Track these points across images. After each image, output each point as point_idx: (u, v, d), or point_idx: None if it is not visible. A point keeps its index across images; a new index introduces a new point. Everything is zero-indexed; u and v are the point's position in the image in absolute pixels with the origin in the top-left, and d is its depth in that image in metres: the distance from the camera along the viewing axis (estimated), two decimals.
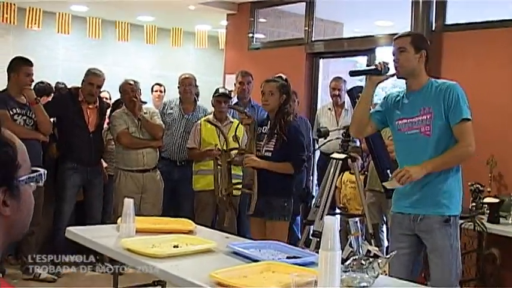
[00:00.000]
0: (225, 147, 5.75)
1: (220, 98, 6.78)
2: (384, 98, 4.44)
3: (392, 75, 4.26)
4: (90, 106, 6.76)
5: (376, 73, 4.25)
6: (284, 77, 5.49)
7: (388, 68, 4.23)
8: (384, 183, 4.38)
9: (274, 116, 5.35)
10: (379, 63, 4.25)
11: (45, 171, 1.67)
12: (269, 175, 5.23)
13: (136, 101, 6.72)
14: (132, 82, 6.86)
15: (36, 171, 1.63)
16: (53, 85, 8.31)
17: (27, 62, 6.38)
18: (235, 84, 7.84)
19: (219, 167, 5.63)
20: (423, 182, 4.04)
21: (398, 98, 4.28)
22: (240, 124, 6.11)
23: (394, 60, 4.21)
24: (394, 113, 4.26)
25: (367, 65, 8.00)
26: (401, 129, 4.21)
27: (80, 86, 6.85)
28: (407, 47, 4.14)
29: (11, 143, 1.55)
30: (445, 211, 4.05)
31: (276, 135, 5.28)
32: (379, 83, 4.31)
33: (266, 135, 5.37)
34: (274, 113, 5.35)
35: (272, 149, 5.28)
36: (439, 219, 4.05)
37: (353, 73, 4.82)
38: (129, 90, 6.77)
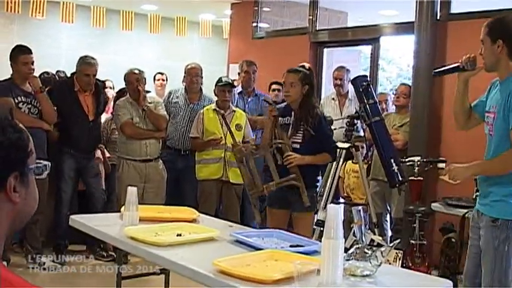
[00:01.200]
0: (254, 146, 5.69)
1: (224, 87, 6.75)
2: (490, 85, 4.06)
3: (480, 70, 3.98)
4: (87, 93, 6.73)
5: (460, 70, 4.04)
6: (307, 66, 5.42)
7: (474, 63, 3.97)
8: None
9: (298, 107, 5.25)
10: (463, 59, 4.01)
11: (50, 164, 1.69)
12: (299, 168, 5.18)
13: (141, 91, 6.70)
14: (137, 71, 6.83)
15: (41, 162, 1.64)
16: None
17: (25, 51, 6.33)
18: (239, 74, 7.83)
19: (244, 165, 5.48)
20: (484, 180, 3.97)
21: (497, 86, 3.96)
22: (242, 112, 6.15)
23: (480, 54, 3.93)
24: (487, 103, 3.99)
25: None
26: (485, 122, 3.99)
27: (74, 75, 6.83)
28: (484, 39, 3.86)
29: (24, 130, 1.57)
30: (493, 213, 3.87)
31: (302, 128, 5.20)
32: (468, 78, 4.04)
33: (292, 127, 5.27)
34: (297, 104, 5.24)
35: (300, 141, 5.20)
36: (489, 219, 3.89)
37: (436, 73, 4.75)
38: (133, 80, 6.74)
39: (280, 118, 5.31)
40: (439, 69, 4.60)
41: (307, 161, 5.16)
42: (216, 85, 6.82)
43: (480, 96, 4.11)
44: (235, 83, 7.51)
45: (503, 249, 3.80)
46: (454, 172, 3.93)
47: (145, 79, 6.91)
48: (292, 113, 5.29)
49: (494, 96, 3.88)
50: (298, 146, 5.21)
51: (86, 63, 6.71)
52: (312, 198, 5.26)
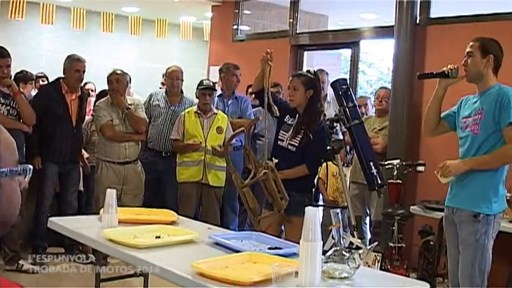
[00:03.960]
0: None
1: (205, 90, 6.75)
2: (461, 100, 4.56)
3: (462, 79, 4.42)
4: (73, 97, 6.72)
5: (444, 77, 4.45)
6: (312, 70, 5.41)
7: (457, 72, 4.41)
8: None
9: (302, 111, 5.23)
10: (447, 67, 4.43)
11: (31, 168, 1.65)
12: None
13: (117, 92, 6.68)
14: (119, 72, 6.81)
15: (22, 166, 1.60)
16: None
17: (1, 53, 6.31)
18: (223, 76, 7.71)
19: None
20: (461, 178, 4.32)
21: (469, 100, 4.46)
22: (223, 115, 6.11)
23: (463, 64, 4.37)
24: (460, 112, 4.48)
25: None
26: (462, 127, 4.42)
27: (60, 77, 6.80)
28: (474, 51, 4.30)
29: None
30: (474, 208, 4.24)
31: (302, 132, 5.16)
32: (448, 85, 4.48)
33: (292, 129, 5.23)
34: (302, 108, 5.22)
35: (297, 145, 5.15)
36: (468, 214, 4.27)
37: (421, 76, 4.99)
38: (113, 79, 6.72)
39: (287, 116, 5.31)
40: (424, 73, 4.94)
41: (283, 176, 4.95)
42: (197, 88, 6.81)
43: (449, 107, 4.62)
44: (217, 86, 7.49)
45: (484, 242, 4.19)
46: (449, 167, 4.28)
47: (127, 82, 6.88)
48: (297, 116, 5.27)
49: (474, 105, 4.34)
50: (294, 149, 5.17)
51: (76, 59, 6.72)
52: (303, 203, 5.17)
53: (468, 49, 4.35)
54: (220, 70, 7.69)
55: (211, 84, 6.95)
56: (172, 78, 7.31)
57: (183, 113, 6.83)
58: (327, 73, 7.80)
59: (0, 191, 1.54)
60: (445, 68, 4.45)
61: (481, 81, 4.31)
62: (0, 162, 1.54)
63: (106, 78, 6.83)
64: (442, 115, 4.60)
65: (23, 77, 7.43)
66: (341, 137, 6.39)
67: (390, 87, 7.30)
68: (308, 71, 5.39)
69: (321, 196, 6.80)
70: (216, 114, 6.80)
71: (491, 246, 4.29)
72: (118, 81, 6.72)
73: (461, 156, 4.40)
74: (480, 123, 4.24)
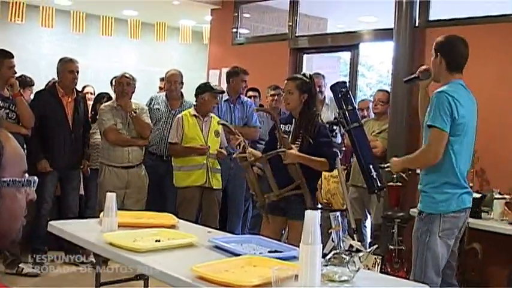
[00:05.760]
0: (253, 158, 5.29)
1: (217, 93, 6.81)
2: None
3: (432, 79, 4.61)
4: (69, 99, 6.73)
5: (417, 80, 4.71)
6: (308, 74, 5.37)
7: (429, 73, 4.58)
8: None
9: (298, 115, 5.20)
10: (419, 70, 4.68)
11: (36, 179, 1.61)
12: (304, 172, 5.05)
13: (127, 95, 6.70)
14: (128, 76, 6.85)
15: (27, 177, 1.56)
16: (35, 79, 8.24)
17: (8, 55, 6.33)
18: (231, 80, 7.62)
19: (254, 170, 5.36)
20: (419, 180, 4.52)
21: None
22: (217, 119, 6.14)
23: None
24: None
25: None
26: None
27: (55, 81, 6.81)
28: (433, 52, 4.46)
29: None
30: (420, 207, 4.40)
31: (301, 136, 5.11)
32: (425, 86, 4.70)
33: (291, 135, 5.19)
34: (297, 112, 5.19)
35: (298, 149, 5.05)
36: (417, 213, 4.48)
37: (405, 81, 5.14)
38: (124, 82, 6.74)
39: (282, 125, 5.27)
40: (406, 79, 5.05)
41: (303, 159, 4.99)
42: (203, 90, 6.71)
43: None
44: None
45: (425, 240, 4.28)
46: (393, 163, 4.65)
47: (135, 87, 6.88)
48: (293, 121, 5.25)
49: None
50: None
51: (68, 61, 6.76)
52: (304, 206, 5.14)
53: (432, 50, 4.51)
54: (229, 73, 7.65)
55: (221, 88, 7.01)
56: (171, 82, 7.31)
57: (180, 115, 6.77)
58: (323, 76, 7.77)
59: (0, 202, 1.50)
60: (418, 71, 4.69)
61: (440, 81, 4.45)
62: (4, 170, 1.51)
63: (110, 81, 6.84)
64: None
65: (22, 82, 7.42)
66: (340, 140, 6.41)
67: (390, 90, 7.30)
68: (303, 75, 5.36)
69: None
70: (212, 117, 6.78)
71: (441, 248, 4.28)
72: (128, 84, 6.75)
73: None
74: (423, 125, 4.43)
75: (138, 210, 5.92)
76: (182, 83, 7.38)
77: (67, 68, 6.68)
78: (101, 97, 7.31)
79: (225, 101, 7.39)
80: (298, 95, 5.15)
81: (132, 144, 6.74)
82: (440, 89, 4.25)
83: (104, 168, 6.75)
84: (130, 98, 6.83)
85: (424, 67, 4.66)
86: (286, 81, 5.34)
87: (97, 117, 7.03)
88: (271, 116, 5.47)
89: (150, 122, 6.95)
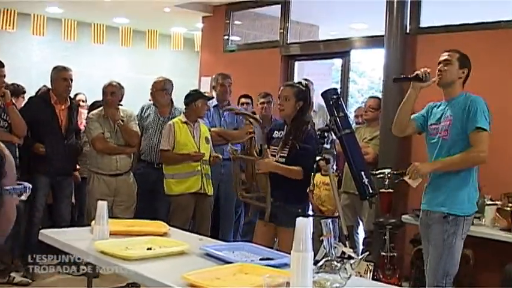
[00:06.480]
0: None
1: (207, 100, 6.83)
2: (428, 107, 4.86)
3: (433, 82, 4.66)
4: (63, 107, 6.72)
5: (418, 80, 4.68)
6: (304, 82, 5.38)
7: (429, 76, 4.64)
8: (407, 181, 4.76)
9: (290, 122, 5.18)
10: (421, 71, 4.67)
11: (31, 186, 1.66)
12: (284, 181, 5.02)
13: (111, 105, 6.67)
14: (115, 84, 6.80)
15: (21, 184, 1.63)
16: (26, 87, 8.22)
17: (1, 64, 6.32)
18: (213, 87, 7.75)
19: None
20: (432, 181, 4.65)
21: (435, 107, 4.77)
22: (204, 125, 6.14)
23: (438, 70, 4.62)
24: (429, 119, 4.77)
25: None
26: (431, 133, 4.72)
27: (48, 88, 6.81)
28: (453, 61, 4.59)
29: (1, 152, 1.57)
30: (444, 209, 4.47)
31: (290, 142, 5.09)
32: (421, 88, 4.70)
33: (281, 141, 5.18)
34: (290, 119, 5.17)
35: (286, 155, 5.07)
36: (438, 216, 4.52)
37: (396, 80, 5.24)
38: (108, 92, 6.72)
39: (275, 131, 5.30)
40: (399, 77, 5.21)
41: (276, 168, 5.01)
42: (195, 97, 6.69)
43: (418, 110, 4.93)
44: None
45: (452, 242, 4.42)
46: (418, 167, 4.54)
47: (122, 95, 6.85)
48: (285, 127, 5.23)
49: (441, 112, 4.66)
50: (283, 160, 5.09)
51: (62, 69, 6.75)
52: (293, 214, 5.11)
53: (446, 57, 4.62)
54: (213, 80, 7.70)
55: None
56: (157, 89, 7.23)
57: (170, 122, 6.71)
58: (311, 82, 7.77)
59: (1, 207, 1.56)
60: (419, 72, 4.68)
61: (451, 88, 4.61)
62: (5, 178, 1.56)
63: (102, 89, 6.81)
64: (412, 117, 4.85)
65: (15, 90, 7.40)
66: (328, 146, 6.40)
67: (381, 96, 7.31)
68: (300, 83, 5.36)
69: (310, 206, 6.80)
70: (199, 123, 6.77)
71: (460, 250, 4.50)
72: (113, 94, 6.71)
73: (430, 161, 4.68)
74: (449, 129, 4.53)
75: (127, 217, 5.91)
76: (166, 89, 7.24)
77: (61, 75, 6.67)
78: (97, 106, 7.29)
79: (214, 106, 7.42)
80: (295, 101, 5.13)
81: (119, 153, 6.72)
82: (476, 96, 4.53)
83: (93, 176, 6.73)
84: (118, 106, 6.80)
85: (425, 69, 4.69)
86: (283, 87, 5.31)
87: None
88: (256, 120, 5.44)
89: (138, 129, 6.93)
